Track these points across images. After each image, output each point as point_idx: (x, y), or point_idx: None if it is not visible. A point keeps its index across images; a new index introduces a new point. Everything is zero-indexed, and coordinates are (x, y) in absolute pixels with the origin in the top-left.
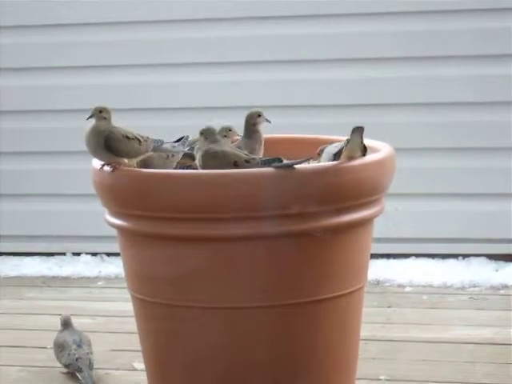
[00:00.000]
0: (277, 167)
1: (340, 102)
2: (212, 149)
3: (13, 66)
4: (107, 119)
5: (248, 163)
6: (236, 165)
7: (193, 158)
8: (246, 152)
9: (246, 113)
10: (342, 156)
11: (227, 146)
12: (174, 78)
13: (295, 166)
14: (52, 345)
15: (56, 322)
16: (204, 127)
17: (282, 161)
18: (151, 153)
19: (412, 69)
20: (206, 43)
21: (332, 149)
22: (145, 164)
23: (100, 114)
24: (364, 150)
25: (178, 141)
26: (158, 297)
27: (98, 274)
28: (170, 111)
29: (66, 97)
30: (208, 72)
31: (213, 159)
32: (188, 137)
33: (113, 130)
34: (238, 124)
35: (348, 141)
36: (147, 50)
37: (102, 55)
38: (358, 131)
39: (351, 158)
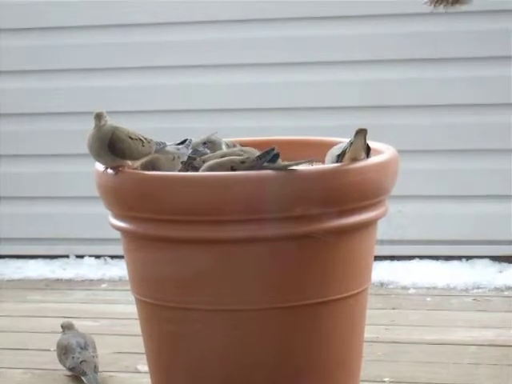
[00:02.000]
0: (273, 169)
1: (343, 104)
2: (207, 167)
3: (12, 68)
4: (107, 122)
5: (244, 163)
6: (234, 169)
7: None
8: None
9: (249, 115)
10: (346, 157)
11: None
12: (173, 80)
13: (292, 167)
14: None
15: (59, 326)
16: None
17: (278, 154)
18: (157, 155)
19: (414, 71)
20: (206, 45)
21: (335, 150)
22: (152, 166)
23: (100, 119)
24: (367, 152)
25: (180, 143)
26: (161, 299)
27: (102, 276)
28: (169, 113)
29: (68, 99)
30: (209, 74)
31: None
32: (191, 140)
33: (116, 131)
34: (240, 127)
35: (351, 142)
36: (147, 52)
37: (103, 57)
38: (362, 133)
39: (354, 159)
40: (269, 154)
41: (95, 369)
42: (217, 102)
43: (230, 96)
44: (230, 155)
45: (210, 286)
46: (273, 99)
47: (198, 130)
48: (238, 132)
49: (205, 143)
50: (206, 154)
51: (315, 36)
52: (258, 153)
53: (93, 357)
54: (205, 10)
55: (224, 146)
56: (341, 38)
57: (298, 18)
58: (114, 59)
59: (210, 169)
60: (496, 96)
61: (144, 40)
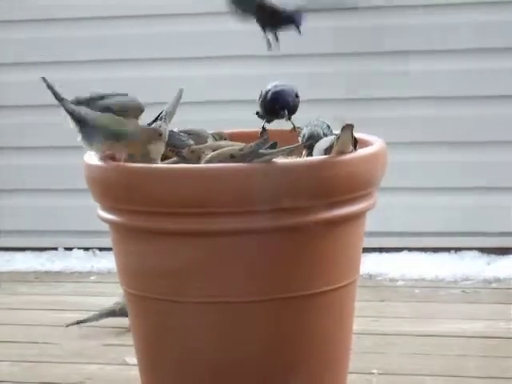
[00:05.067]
0: (269, 154)
1: (331, 97)
2: (209, 157)
3: (11, 60)
4: None
5: (242, 151)
6: (233, 157)
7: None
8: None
9: (234, 106)
10: (333, 151)
11: (226, 143)
12: (165, 72)
13: (288, 151)
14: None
15: (48, 317)
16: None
17: (276, 143)
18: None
19: (403, 63)
20: (194, 37)
21: (322, 144)
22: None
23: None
24: (355, 144)
25: (155, 120)
26: (149, 291)
27: (91, 268)
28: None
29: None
30: (198, 66)
31: (211, 163)
32: (165, 112)
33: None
34: (227, 118)
35: (338, 137)
36: (143, 43)
37: (102, 49)
38: (348, 128)
39: (342, 152)
40: (266, 141)
41: (104, 314)
42: (205, 95)
43: (215, 88)
44: (222, 147)
45: (199, 278)
46: (257, 91)
47: (186, 122)
48: (222, 124)
49: (190, 134)
50: (190, 144)
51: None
52: (238, 147)
53: (114, 303)
54: (196, 3)
55: (210, 139)
56: (328, 30)
57: None
58: (111, 51)
59: (212, 159)
60: (485, 88)
61: (139, 32)
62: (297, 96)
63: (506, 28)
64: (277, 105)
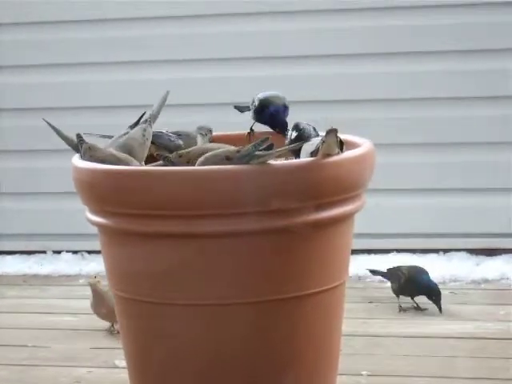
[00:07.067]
0: (265, 155)
1: (320, 98)
2: (203, 159)
3: (14, 63)
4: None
5: (239, 152)
6: (229, 159)
7: (168, 149)
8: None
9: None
10: (319, 154)
11: (214, 145)
12: (162, 74)
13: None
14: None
15: (37, 320)
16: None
17: (272, 144)
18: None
19: (391, 64)
20: (189, 39)
21: (309, 147)
22: (129, 153)
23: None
24: (341, 147)
25: (138, 120)
26: (137, 294)
27: (79, 271)
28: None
29: (45, 95)
30: (188, 68)
31: (205, 164)
32: (149, 114)
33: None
34: (219, 120)
35: (323, 141)
36: (140, 46)
37: (104, 51)
38: (333, 133)
39: (329, 155)
40: (264, 142)
41: None
42: (197, 97)
43: (207, 91)
44: (211, 149)
45: (187, 280)
46: (247, 94)
47: (171, 124)
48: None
49: (180, 135)
50: (179, 145)
51: (290, 30)
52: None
53: None
54: (189, 5)
55: (200, 139)
56: (316, 31)
57: (274, 12)
58: (112, 54)
59: (206, 160)
60: (470, 90)
61: (134, 34)
62: (286, 107)
63: (493, 30)
64: (277, 127)
